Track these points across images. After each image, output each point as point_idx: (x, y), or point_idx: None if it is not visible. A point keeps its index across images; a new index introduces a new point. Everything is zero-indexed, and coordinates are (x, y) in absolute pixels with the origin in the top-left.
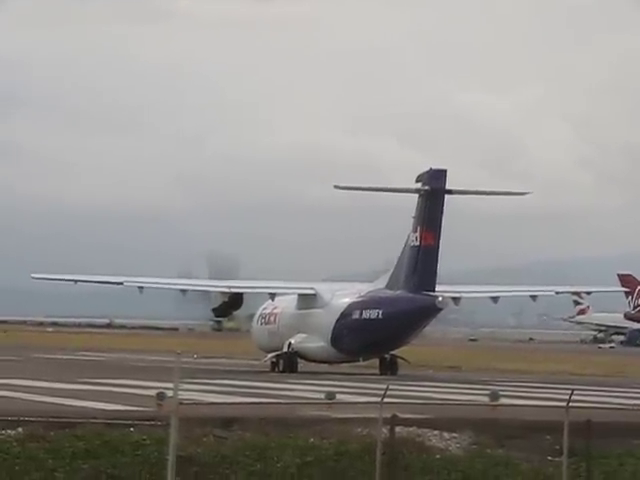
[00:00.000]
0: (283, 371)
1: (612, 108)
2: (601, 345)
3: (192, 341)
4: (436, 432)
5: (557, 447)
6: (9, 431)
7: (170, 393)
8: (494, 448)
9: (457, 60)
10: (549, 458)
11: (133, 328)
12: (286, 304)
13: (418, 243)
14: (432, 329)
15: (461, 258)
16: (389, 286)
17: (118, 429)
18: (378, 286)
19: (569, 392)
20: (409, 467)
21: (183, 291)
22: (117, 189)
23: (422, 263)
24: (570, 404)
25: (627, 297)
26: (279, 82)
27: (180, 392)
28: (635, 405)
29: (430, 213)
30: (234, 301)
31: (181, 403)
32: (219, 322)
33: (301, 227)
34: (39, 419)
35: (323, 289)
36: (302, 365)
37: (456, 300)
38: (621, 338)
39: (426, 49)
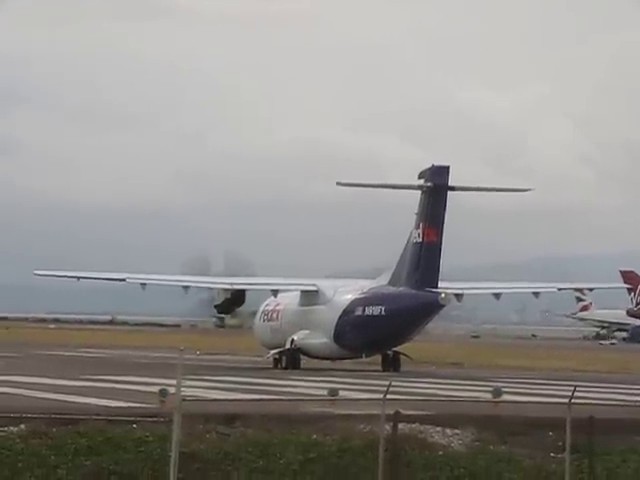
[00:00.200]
0: (286, 368)
1: (613, 105)
2: (602, 342)
3: (195, 338)
4: (439, 429)
5: (560, 443)
6: (12, 428)
7: (173, 390)
8: (497, 444)
9: (458, 57)
10: (552, 454)
11: (135, 325)
12: (288, 301)
13: (421, 240)
14: (434, 326)
15: (462, 254)
16: (392, 283)
17: (121, 426)
18: (381, 283)
19: (572, 389)
20: (412, 463)
21: (186, 288)
22: (117, 185)
23: (424, 260)
24: (573, 401)
25: (629, 294)
26: (280, 79)
27: (183, 389)
28: (638, 402)
29: (432, 210)
30: (237, 298)
31: (184, 400)
32: (222, 319)
33: (303, 224)
34: (41, 416)
35: (325, 286)
36: (305, 362)
37: (458, 297)
38: (623, 335)
39: (427, 46)
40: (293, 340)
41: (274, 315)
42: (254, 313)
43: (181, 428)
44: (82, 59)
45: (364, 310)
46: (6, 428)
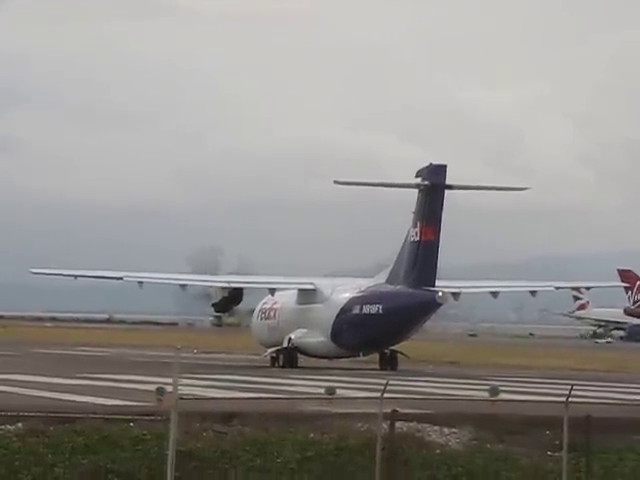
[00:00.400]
0: (283, 366)
1: (613, 105)
2: (598, 340)
3: (192, 336)
4: (436, 427)
5: (557, 442)
6: (9, 426)
7: (170, 388)
8: (494, 443)
9: (458, 56)
10: (549, 453)
11: (132, 323)
12: (286, 299)
13: (418, 238)
14: (432, 324)
15: (460, 253)
16: (389, 281)
17: (118, 424)
18: (378, 281)
19: (569, 387)
20: (409, 462)
21: (183, 286)
22: (117, 184)
23: (422, 258)
24: (570, 399)
25: (627, 292)
26: (280, 78)
27: (180, 387)
28: (635, 400)
29: (430, 208)
30: (234, 296)
31: (181, 398)
32: (219, 317)
33: (302, 223)
34: (38, 414)
35: (323, 284)
36: (302, 360)
37: (456, 295)
38: (621, 333)
39: (427, 45)
40: (290, 339)
41: (271, 313)
42: (251, 311)
43: (178, 427)
44: (82, 58)
45: (361, 309)
46: (3, 427)
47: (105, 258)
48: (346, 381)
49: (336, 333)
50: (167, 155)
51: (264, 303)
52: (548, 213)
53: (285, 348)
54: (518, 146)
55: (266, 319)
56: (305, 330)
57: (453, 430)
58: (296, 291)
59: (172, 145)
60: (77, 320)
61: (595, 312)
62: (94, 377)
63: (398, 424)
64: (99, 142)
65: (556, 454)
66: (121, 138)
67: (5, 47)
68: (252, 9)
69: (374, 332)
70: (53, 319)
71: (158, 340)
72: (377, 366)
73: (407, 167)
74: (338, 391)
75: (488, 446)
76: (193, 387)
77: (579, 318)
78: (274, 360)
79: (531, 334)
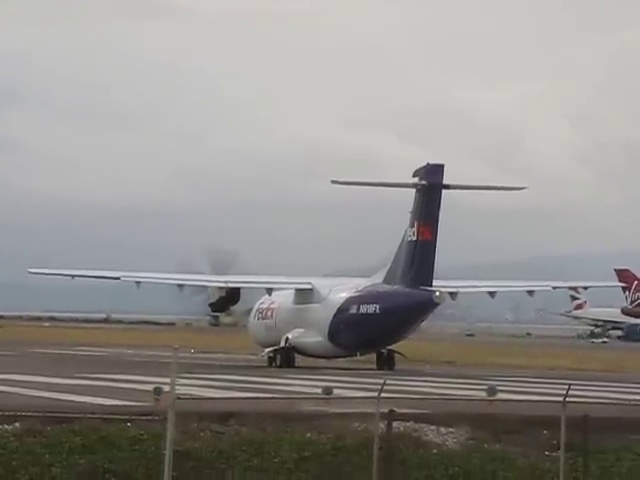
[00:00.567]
0: (280, 366)
1: (612, 105)
2: (594, 340)
3: (189, 336)
4: (433, 427)
5: (554, 442)
6: (6, 426)
7: (167, 388)
8: (491, 443)
9: (457, 56)
10: (546, 453)
11: (130, 323)
12: (283, 299)
13: (415, 238)
14: (429, 324)
15: (459, 253)
16: (386, 281)
17: (115, 424)
18: (375, 281)
19: (566, 387)
20: (406, 462)
21: (180, 286)
22: (117, 184)
23: (419, 258)
24: (567, 399)
25: (624, 292)
26: (279, 78)
27: (177, 387)
28: (632, 400)
29: (427, 208)
30: (231, 296)
31: (178, 398)
32: (216, 317)
33: (301, 223)
34: (36, 414)
35: (320, 284)
36: (299, 360)
37: (453, 295)
38: (618, 333)
39: (426, 45)
40: (288, 338)
41: (269, 313)
42: (249, 311)
43: (175, 426)
44: (81, 58)
45: (359, 308)
46: (1, 426)
47: (104, 258)
48: (343, 381)
49: (333, 333)
50: (167, 155)
51: (261, 303)
52: (546, 213)
53: (282, 348)
54: (517, 146)
55: (263, 319)
56: (302, 330)
57: (450, 430)
58: (293, 291)
59: (172, 145)
60: (75, 320)
61: (592, 312)
62: (92, 377)
63: (395, 424)
64: (98, 142)
65: (553, 454)
66: (120, 138)
67: (3, 47)
68: (252, 9)
69: (371, 332)
70: (51, 319)
71: (156, 340)
72: (374, 366)
73: (406, 167)
74: (335, 391)
75: (485, 446)
76: (190, 387)
77: (576, 318)
78: (271, 360)
79: (528, 334)
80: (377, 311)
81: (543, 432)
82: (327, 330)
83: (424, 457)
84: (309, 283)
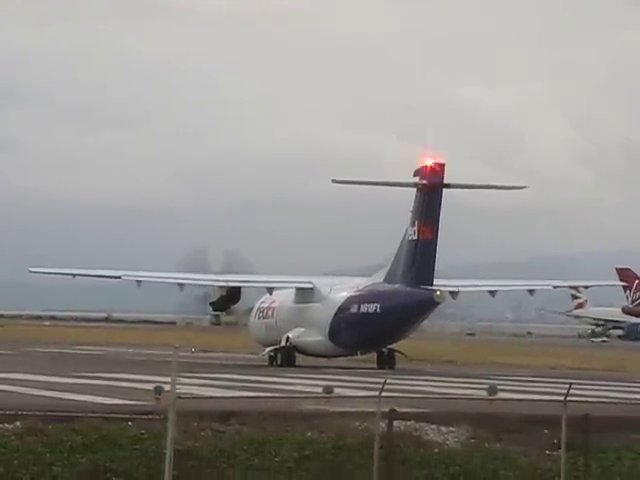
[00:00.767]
0: (281, 365)
1: (612, 105)
2: (594, 339)
3: (190, 335)
4: (434, 426)
5: (555, 441)
6: (7, 425)
7: (168, 387)
8: (492, 442)
9: (457, 56)
10: (547, 452)
11: (131, 322)
12: (284, 298)
13: (416, 237)
14: (430, 323)
15: (460, 252)
16: (387, 280)
17: (116, 423)
18: (376, 280)
19: (567, 386)
20: (407, 461)
21: (181, 285)
22: (117, 184)
23: (420, 257)
24: (568, 398)
25: (625, 291)
26: (279, 77)
27: (178, 386)
28: (633, 399)
29: (428, 207)
30: (232, 295)
31: (179, 397)
32: (217, 316)
33: (301, 222)
34: (37, 413)
35: (321, 283)
36: (300, 359)
37: (454, 294)
38: (619, 332)
39: (426, 45)
40: (288, 338)
41: (269, 312)
42: (249, 310)
43: (176, 426)
44: (80, 58)
45: (359, 308)
46: (1, 425)
47: (104, 257)
48: (344, 380)
49: (334, 332)
50: (167, 155)
51: (262, 302)
52: (547, 212)
53: (283, 347)
54: (517, 145)
55: (264, 318)
56: (303, 329)
57: (451, 429)
58: (294, 290)
59: (172, 145)
60: (75, 319)
61: (593, 311)
62: (92, 376)
63: (396, 423)
64: (98, 142)
65: (554, 453)
66: (120, 138)
67: (2, 47)
68: (252, 9)
69: (372, 331)
70: (51, 318)
71: (156, 339)
72: (375, 365)
73: (406, 166)
74: (336, 390)
75: (486, 445)
76: (191, 386)
77: (577, 317)
78: (272, 359)
79: (529, 333)
80: (378, 310)
81: (544, 431)
82: (328, 329)
83: (425, 456)
84: (310, 282)
